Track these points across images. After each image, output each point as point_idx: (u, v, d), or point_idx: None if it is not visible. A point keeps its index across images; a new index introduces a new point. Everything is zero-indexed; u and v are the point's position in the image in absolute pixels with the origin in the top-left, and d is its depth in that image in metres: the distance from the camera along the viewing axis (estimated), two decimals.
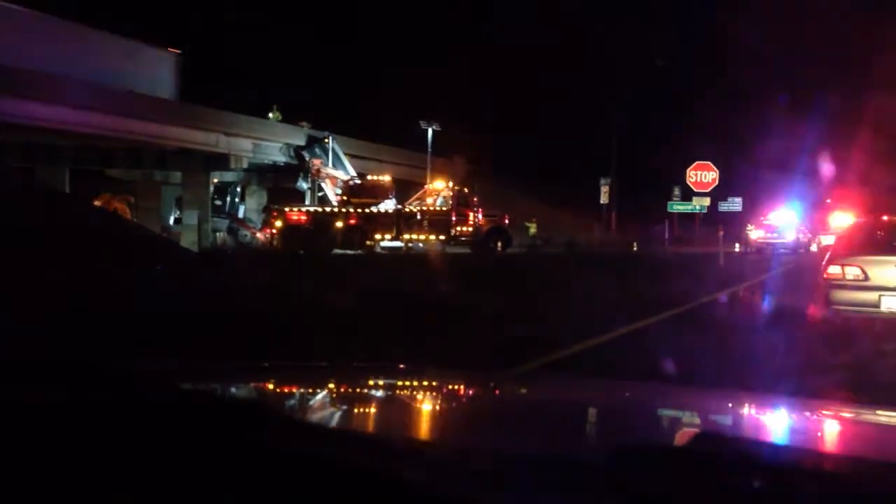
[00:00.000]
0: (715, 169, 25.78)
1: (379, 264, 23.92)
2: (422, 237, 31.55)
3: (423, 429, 1.78)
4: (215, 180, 36.29)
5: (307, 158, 35.08)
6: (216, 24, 41.51)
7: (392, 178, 42.68)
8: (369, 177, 34.00)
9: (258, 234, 31.46)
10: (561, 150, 55.61)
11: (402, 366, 2.65)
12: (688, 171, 25.81)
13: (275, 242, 29.84)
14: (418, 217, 31.67)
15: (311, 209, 31.34)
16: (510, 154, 52.46)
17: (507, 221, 33.31)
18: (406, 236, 31.36)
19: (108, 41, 30.78)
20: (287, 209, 30.73)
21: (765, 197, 40.96)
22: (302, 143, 36.53)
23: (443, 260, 27.26)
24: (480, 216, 32.50)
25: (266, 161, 36.80)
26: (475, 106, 46.75)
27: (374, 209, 31.22)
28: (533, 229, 45.58)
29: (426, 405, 2.09)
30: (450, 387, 2.35)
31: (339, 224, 30.61)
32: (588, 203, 44.83)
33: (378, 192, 31.92)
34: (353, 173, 35.44)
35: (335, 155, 36.50)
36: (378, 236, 30.99)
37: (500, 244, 31.66)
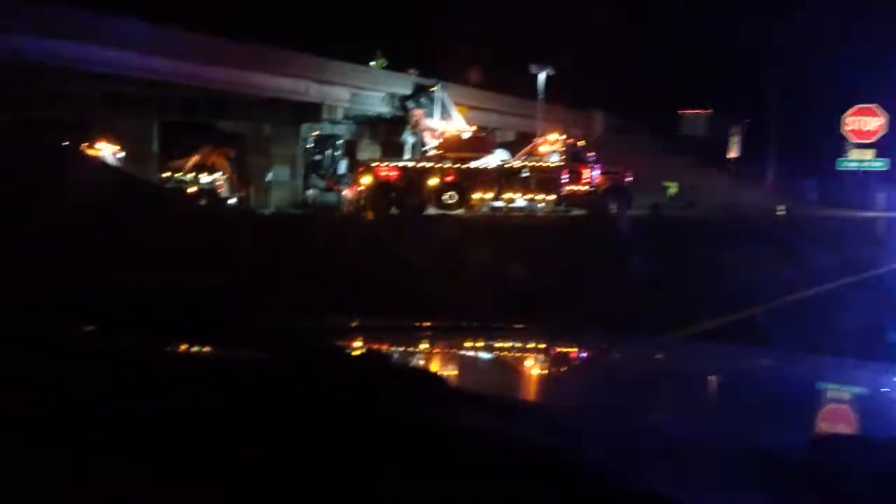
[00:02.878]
0: (882, 113, 20.55)
1: (475, 228, 20.73)
2: (527, 197, 27.82)
3: (590, 401, 1.56)
4: (315, 133, 33.80)
5: (410, 109, 31.95)
6: None
7: (514, 132, 39.01)
8: (473, 128, 30.54)
9: (346, 193, 28.61)
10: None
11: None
12: (844, 117, 20.81)
13: (362, 202, 26.93)
14: (524, 174, 27.92)
15: (402, 164, 28.19)
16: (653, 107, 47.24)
17: (629, 179, 28.88)
18: (508, 196, 27.70)
19: None
20: (375, 164, 27.73)
21: None
22: (408, 91, 33.40)
23: (542, 224, 23.74)
24: (597, 173, 28.37)
25: (370, 111, 33.95)
26: (605, 50, 42.03)
27: (473, 165, 27.72)
28: (672, 189, 40.81)
29: (586, 374, 1.95)
30: (615, 354, 2.19)
31: (435, 181, 27.32)
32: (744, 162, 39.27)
33: (478, 146, 28.36)
34: (463, 124, 32.02)
35: (443, 105, 33.14)
36: (477, 195, 27.49)
37: (612, 207, 27.41)
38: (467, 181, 27.55)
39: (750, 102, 39.69)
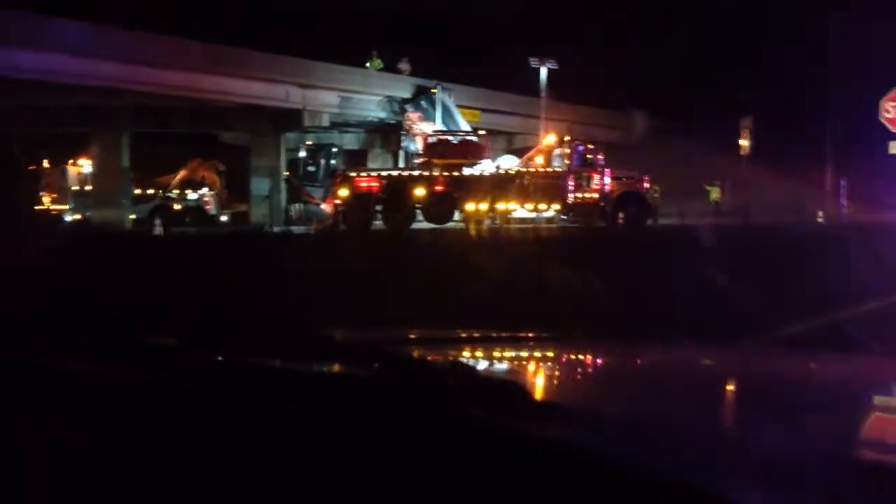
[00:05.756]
0: None
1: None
2: (528, 206, 24.62)
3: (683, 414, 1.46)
4: (309, 142, 31.22)
5: (406, 113, 29.11)
6: None
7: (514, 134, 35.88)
8: (471, 131, 27.49)
9: (323, 206, 25.82)
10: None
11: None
12: (883, 102, 17.15)
13: (339, 216, 24.10)
14: (524, 181, 24.73)
15: (385, 173, 25.28)
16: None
17: (646, 185, 25.36)
18: (507, 206, 24.54)
19: None
20: (354, 174, 24.86)
21: None
22: (407, 94, 30.58)
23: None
24: (608, 179, 25.00)
25: (368, 117, 31.21)
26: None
27: (465, 172, 24.65)
28: (715, 194, 36.89)
29: (671, 384, 1.81)
30: (704, 362, 2.15)
31: (421, 191, 24.33)
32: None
33: (470, 151, 25.28)
34: (467, 128, 29.03)
35: (444, 108, 30.21)
36: (471, 206, 24.40)
37: (621, 216, 24.02)
38: (459, 190, 24.51)
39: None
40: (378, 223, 24.21)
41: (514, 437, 0.98)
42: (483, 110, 34.51)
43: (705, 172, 35.02)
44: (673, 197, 29.87)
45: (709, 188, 36.45)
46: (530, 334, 2.34)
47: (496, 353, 2.09)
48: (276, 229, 24.97)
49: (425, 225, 24.30)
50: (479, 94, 34.55)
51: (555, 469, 0.92)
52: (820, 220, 25.64)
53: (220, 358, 1.32)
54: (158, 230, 24.40)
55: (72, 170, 31.60)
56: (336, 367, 1.32)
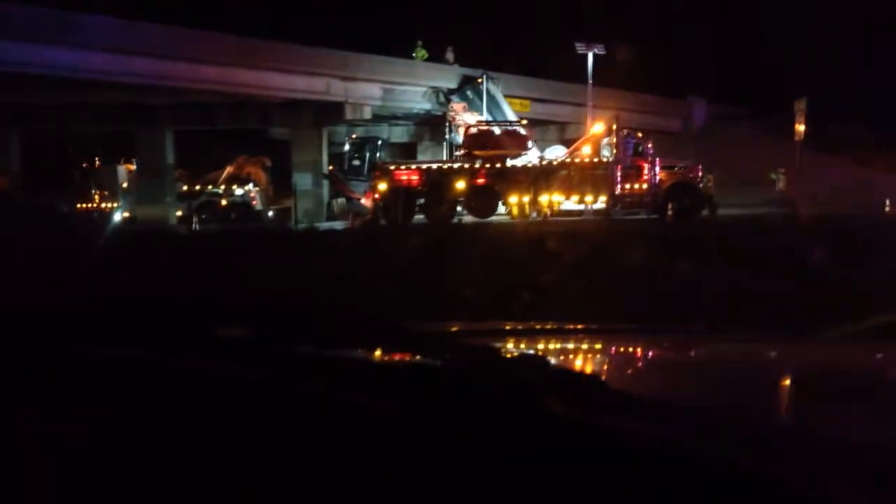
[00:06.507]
0: None
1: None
2: (574, 198, 23.68)
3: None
4: (355, 135, 30.77)
5: (450, 104, 28.45)
6: None
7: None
8: (519, 120, 26.63)
9: (364, 201, 25.26)
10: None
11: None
12: None
13: (379, 210, 23.53)
14: (570, 172, 23.79)
15: (425, 166, 24.62)
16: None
17: (698, 174, 24.15)
18: (552, 198, 23.64)
19: None
20: (393, 167, 24.24)
21: None
22: (453, 84, 29.87)
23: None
24: (658, 169, 23.88)
25: (414, 109, 30.60)
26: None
27: (508, 163, 23.84)
28: (781, 182, 35.25)
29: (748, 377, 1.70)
30: (788, 354, 2.02)
31: (462, 184, 23.61)
32: None
33: (513, 141, 24.44)
34: (514, 118, 28.18)
35: (491, 98, 29.41)
36: (513, 198, 23.58)
37: (670, 208, 22.90)
38: (501, 183, 23.70)
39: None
40: (419, 217, 23.64)
41: (594, 430, 0.98)
42: (533, 100, 33.55)
43: (770, 160, 33.49)
44: (734, 186, 28.52)
45: (774, 176, 34.83)
46: (606, 326, 2.31)
47: (570, 345, 2.06)
48: (315, 225, 24.51)
49: (468, 219, 23.59)
50: (528, 83, 33.62)
51: (637, 465, 0.90)
52: (888, 209, 24.03)
53: (296, 350, 1.32)
54: (196, 226, 24.22)
55: (122, 168, 31.83)
56: (412, 359, 1.34)
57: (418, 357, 1.32)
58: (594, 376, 1.34)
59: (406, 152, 34.80)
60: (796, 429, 1.18)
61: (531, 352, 1.83)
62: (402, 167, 24.23)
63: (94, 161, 32.66)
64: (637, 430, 0.98)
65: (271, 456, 1.02)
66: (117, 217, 29.89)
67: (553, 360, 1.74)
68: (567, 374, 1.35)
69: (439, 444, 0.98)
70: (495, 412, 1.00)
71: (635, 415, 1.05)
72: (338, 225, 24.72)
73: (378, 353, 1.39)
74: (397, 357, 1.35)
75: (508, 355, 1.59)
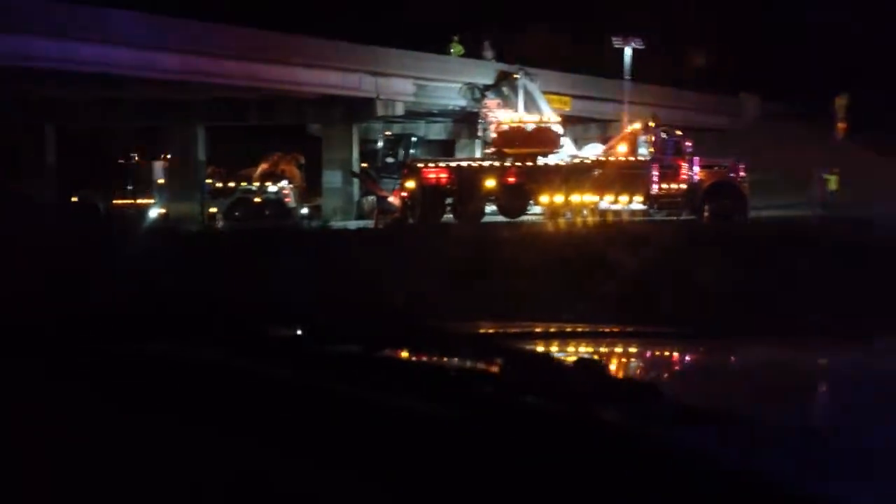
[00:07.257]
0: None
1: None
2: (609, 198, 22.90)
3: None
4: (388, 133, 30.32)
5: (484, 100, 27.78)
6: None
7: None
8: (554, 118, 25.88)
9: (391, 199, 24.76)
10: None
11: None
12: None
13: (407, 210, 23.01)
14: (603, 171, 23.02)
15: (454, 164, 24.04)
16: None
17: (740, 173, 23.19)
18: (585, 198, 22.88)
19: None
20: (422, 165, 23.70)
21: None
22: (489, 80, 29.20)
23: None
24: (696, 168, 22.99)
25: (450, 105, 30.02)
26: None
27: (539, 161, 23.14)
28: (833, 183, 33.93)
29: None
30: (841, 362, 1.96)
31: (493, 183, 22.98)
32: None
33: (545, 139, 23.73)
34: (552, 116, 27.44)
35: (527, 94, 28.64)
36: (545, 198, 22.88)
37: (707, 209, 21.99)
38: (533, 182, 23.02)
39: None
40: (448, 217, 23.07)
41: (652, 443, 0.96)
42: (574, 97, 32.75)
43: (820, 159, 32.23)
44: (783, 185, 27.43)
45: (827, 177, 33.54)
46: (657, 329, 2.30)
47: (623, 350, 2.02)
48: (344, 223, 24.09)
49: (500, 219, 22.96)
50: (569, 80, 32.84)
51: (695, 480, 0.89)
52: None
53: (342, 352, 1.30)
54: (221, 223, 23.98)
55: (159, 164, 31.86)
56: (462, 364, 1.31)
57: (471, 363, 1.31)
58: (650, 385, 1.29)
59: (444, 150, 34.28)
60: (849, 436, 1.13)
61: (580, 357, 1.75)
62: (431, 165, 23.68)
63: (131, 157, 32.81)
64: (693, 443, 0.95)
65: (317, 459, 1.00)
66: (153, 213, 29.97)
67: (606, 366, 1.70)
68: (622, 384, 1.31)
69: (495, 454, 0.96)
70: (551, 424, 0.99)
71: (694, 428, 1.01)
72: (352, 225, 24.15)
73: (421, 356, 1.38)
74: (449, 362, 1.34)
75: (558, 361, 1.55)
